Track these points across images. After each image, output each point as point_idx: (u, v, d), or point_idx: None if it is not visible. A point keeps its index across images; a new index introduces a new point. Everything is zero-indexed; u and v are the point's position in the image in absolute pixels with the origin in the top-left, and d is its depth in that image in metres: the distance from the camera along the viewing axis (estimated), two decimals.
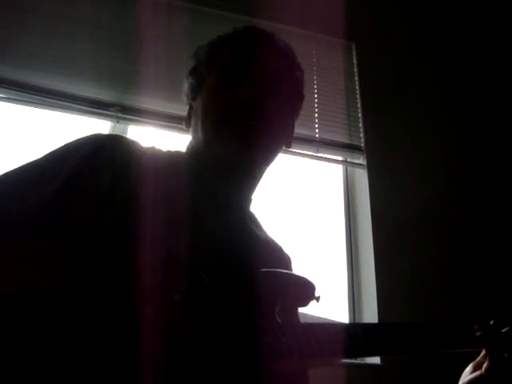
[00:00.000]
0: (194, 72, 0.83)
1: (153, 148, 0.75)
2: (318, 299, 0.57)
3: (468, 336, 0.65)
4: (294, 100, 0.84)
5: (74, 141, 0.68)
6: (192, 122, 0.80)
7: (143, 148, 0.72)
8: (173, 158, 0.76)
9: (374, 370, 1.54)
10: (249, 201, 0.81)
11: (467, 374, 0.69)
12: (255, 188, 0.80)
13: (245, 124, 0.71)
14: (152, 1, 1.95)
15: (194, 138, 0.79)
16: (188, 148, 0.81)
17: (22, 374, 0.41)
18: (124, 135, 0.75)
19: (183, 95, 0.86)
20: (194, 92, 0.82)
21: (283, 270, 0.62)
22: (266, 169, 0.80)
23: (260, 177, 0.80)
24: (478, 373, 0.66)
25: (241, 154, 0.71)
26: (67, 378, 0.41)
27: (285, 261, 0.81)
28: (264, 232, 0.81)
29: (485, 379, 0.65)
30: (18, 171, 0.62)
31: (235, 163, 0.72)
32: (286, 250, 0.83)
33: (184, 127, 0.84)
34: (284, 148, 0.83)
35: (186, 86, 0.85)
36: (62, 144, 0.67)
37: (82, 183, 0.61)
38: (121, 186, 0.62)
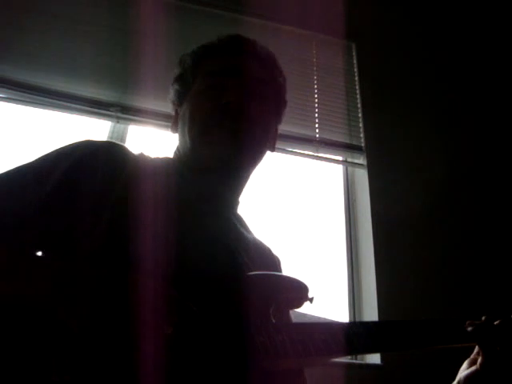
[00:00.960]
0: (179, 79, 0.85)
1: (142, 154, 0.76)
2: (311, 300, 0.58)
3: (464, 331, 0.66)
4: (276, 105, 0.86)
5: (68, 145, 0.69)
6: (179, 127, 0.81)
7: (134, 154, 0.73)
8: (162, 163, 0.77)
9: (374, 369, 1.54)
10: (236, 203, 0.82)
11: (463, 370, 0.70)
12: (242, 190, 0.81)
13: (231, 126, 0.72)
14: (152, 1, 1.95)
15: (180, 142, 0.80)
16: (175, 153, 0.82)
17: (21, 377, 0.41)
18: (115, 141, 0.77)
19: (169, 102, 0.88)
20: (180, 98, 0.84)
21: (275, 273, 0.63)
22: (251, 171, 0.81)
23: (246, 179, 0.81)
24: (473, 368, 0.67)
25: (227, 155, 0.72)
26: (66, 380, 0.41)
27: (274, 262, 0.82)
28: (252, 234, 0.82)
29: (480, 374, 0.65)
30: (11, 173, 0.63)
31: (222, 164, 0.73)
32: (275, 251, 0.84)
33: (171, 132, 0.86)
34: (268, 152, 0.85)
35: (171, 92, 0.87)
36: (56, 147, 0.68)
37: (75, 187, 0.61)
38: (114, 190, 0.62)
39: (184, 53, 0.87)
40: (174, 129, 0.84)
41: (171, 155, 0.83)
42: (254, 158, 0.79)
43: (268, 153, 0.84)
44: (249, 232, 0.81)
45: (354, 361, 1.60)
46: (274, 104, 0.84)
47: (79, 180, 0.62)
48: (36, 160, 0.66)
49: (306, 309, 0.60)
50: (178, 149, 0.81)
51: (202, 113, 0.75)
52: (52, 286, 0.47)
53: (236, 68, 0.78)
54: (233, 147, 0.72)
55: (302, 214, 1.89)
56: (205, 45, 0.84)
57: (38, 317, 0.43)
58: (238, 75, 0.77)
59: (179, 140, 0.81)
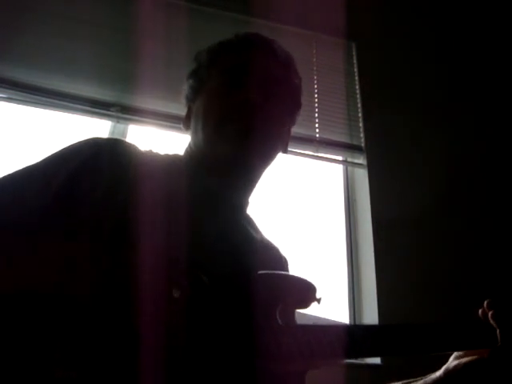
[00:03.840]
0: (194, 74, 0.84)
1: (150, 151, 0.75)
2: (319, 301, 0.58)
3: (469, 336, 0.66)
4: (291, 106, 0.85)
5: (73, 144, 0.68)
6: (192, 124, 0.80)
7: (141, 151, 0.73)
8: (171, 160, 0.77)
9: (373, 369, 1.54)
10: (246, 203, 0.81)
11: (454, 360, 0.69)
12: (252, 191, 0.81)
13: (245, 124, 0.71)
14: (152, 1, 1.95)
15: (193, 139, 0.79)
16: (186, 150, 0.81)
17: (25, 371, 0.40)
18: (122, 139, 0.76)
19: (183, 97, 0.87)
20: (195, 94, 0.82)
21: (284, 272, 0.62)
22: (262, 172, 0.80)
23: (257, 180, 0.80)
24: (473, 357, 0.67)
25: (240, 152, 0.72)
26: (70, 375, 0.41)
27: (281, 262, 0.81)
28: (261, 234, 0.82)
29: (486, 362, 0.65)
30: (17, 175, 0.62)
31: (235, 162, 0.73)
32: (283, 251, 0.84)
33: (182, 128, 0.85)
34: (280, 153, 0.84)
35: (186, 88, 0.85)
36: (61, 147, 0.68)
37: (82, 187, 0.61)
38: (121, 189, 0.62)
39: (200, 49, 0.85)
40: (187, 125, 0.83)
41: (181, 152, 0.82)
42: (266, 157, 0.78)
43: (280, 154, 0.83)
44: (257, 232, 0.81)
45: (354, 361, 1.60)
46: (289, 104, 0.83)
47: (85, 181, 0.62)
48: (41, 161, 0.65)
49: (306, 310, 0.60)
50: (189, 146, 0.80)
51: (216, 110, 0.74)
52: (58, 275, 0.47)
53: (252, 65, 0.77)
54: (245, 145, 0.71)
55: (302, 213, 1.89)
56: (222, 41, 0.83)
57: (39, 309, 0.43)
58: (254, 73, 0.76)
59: (192, 137, 0.80)
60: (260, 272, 0.58)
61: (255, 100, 0.72)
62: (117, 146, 0.70)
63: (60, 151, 0.67)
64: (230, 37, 0.83)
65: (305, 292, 0.58)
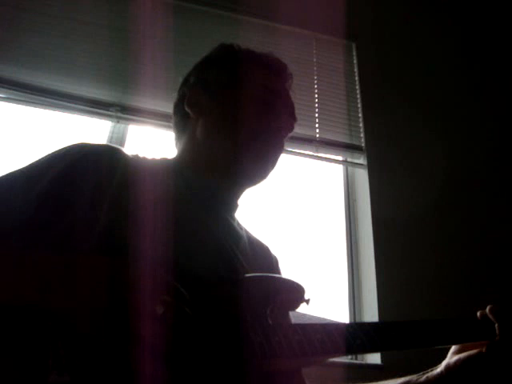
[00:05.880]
0: (224, 65, 0.83)
1: (137, 156, 0.74)
2: (307, 302, 0.58)
3: (466, 330, 0.66)
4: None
5: (59, 149, 0.67)
6: (207, 121, 0.79)
7: (129, 156, 0.72)
8: (159, 164, 0.77)
9: (374, 369, 1.54)
10: (235, 206, 0.82)
11: (453, 355, 0.70)
12: (241, 195, 0.82)
13: (275, 148, 0.78)
14: (151, 1, 1.95)
15: (199, 138, 0.78)
16: (185, 147, 0.80)
17: (17, 377, 0.40)
18: (110, 144, 0.76)
19: (197, 69, 0.85)
20: (226, 82, 0.81)
21: (272, 274, 0.63)
22: None
23: (247, 187, 0.82)
24: (472, 351, 0.67)
25: (262, 168, 0.77)
26: (64, 380, 0.41)
27: (271, 262, 0.82)
28: (250, 235, 0.83)
29: (485, 356, 0.65)
30: (2, 180, 0.61)
31: (252, 175, 0.77)
32: (273, 250, 0.85)
33: (193, 114, 0.81)
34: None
35: (209, 72, 0.84)
36: (48, 153, 0.67)
37: (68, 192, 0.60)
38: (109, 194, 0.61)
39: (235, 43, 0.86)
40: (198, 112, 0.80)
41: (171, 155, 0.81)
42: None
43: None
44: (247, 234, 0.82)
45: (354, 361, 1.60)
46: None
47: (71, 184, 0.61)
48: (27, 166, 0.64)
49: (305, 309, 0.60)
50: (189, 143, 0.80)
51: (255, 125, 0.76)
52: (49, 281, 0.46)
53: (285, 94, 0.82)
54: (267, 164, 0.77)
55: (302, 214, 1.89)
56: (261, 54, 0.85)
57: (34, 314, 0.43)
58: (286, 101, 0.81)
59: (200, 135, 0.78)
60: (249, 274, 0.58)
61: (285, 131, 0.79)
62: (105, 151, 0.69)
63: (46, 156, 0.66)
64: (267, 53, 0.86)
65: (293, 293, 0.59)
